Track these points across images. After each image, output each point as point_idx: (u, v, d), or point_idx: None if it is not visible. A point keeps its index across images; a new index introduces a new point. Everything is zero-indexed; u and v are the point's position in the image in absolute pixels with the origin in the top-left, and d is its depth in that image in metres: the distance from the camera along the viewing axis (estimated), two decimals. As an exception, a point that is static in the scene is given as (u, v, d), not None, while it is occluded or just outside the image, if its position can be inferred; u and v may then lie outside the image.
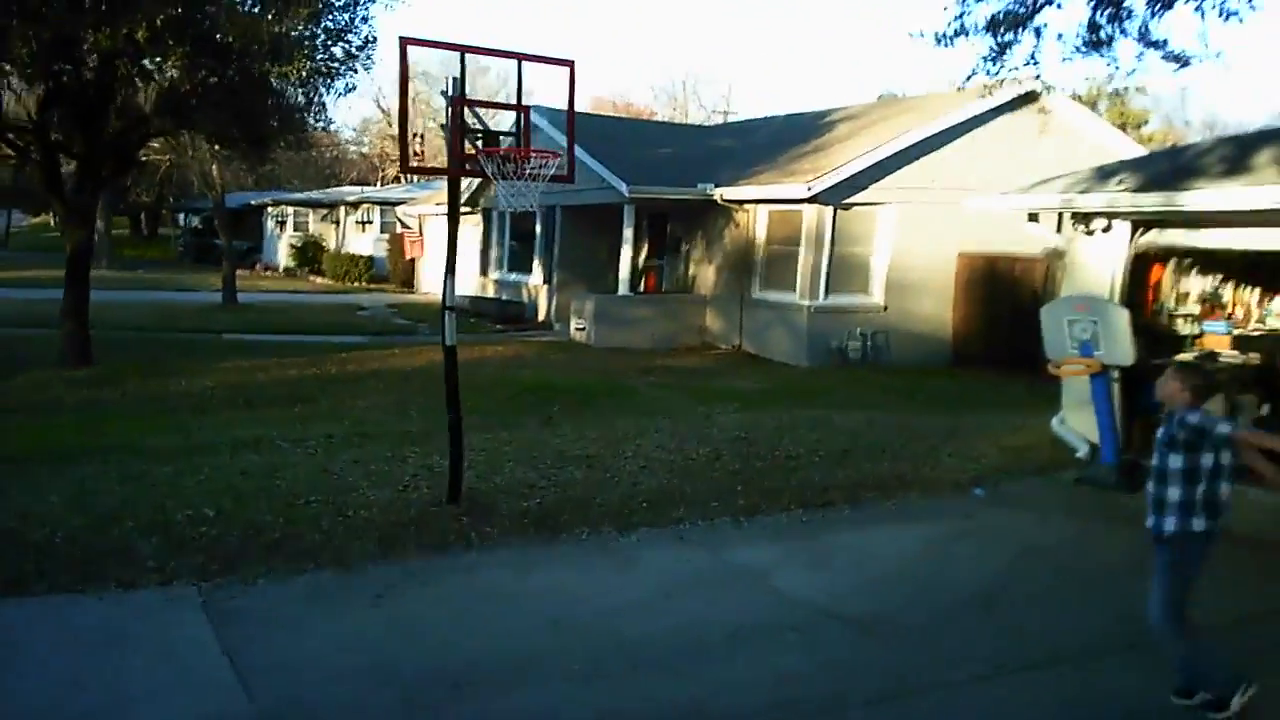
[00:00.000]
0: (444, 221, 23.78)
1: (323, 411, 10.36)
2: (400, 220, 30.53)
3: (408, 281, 29.83)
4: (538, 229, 20.81)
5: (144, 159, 22.54)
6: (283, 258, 37.99)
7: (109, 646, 4.67)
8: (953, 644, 4.99)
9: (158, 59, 9.76)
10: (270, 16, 9.60)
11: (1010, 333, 14.24)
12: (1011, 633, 5.17)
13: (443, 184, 25.05)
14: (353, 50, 11.28)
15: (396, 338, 17.18)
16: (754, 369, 15.13)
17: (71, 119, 11.08)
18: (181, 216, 47.69)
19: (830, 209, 15.66)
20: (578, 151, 17.96)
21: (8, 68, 10.02)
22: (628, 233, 17.59)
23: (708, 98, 51.71)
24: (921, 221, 15.77)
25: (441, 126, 6.14)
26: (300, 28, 9.73)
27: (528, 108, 6.44)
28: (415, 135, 7.30)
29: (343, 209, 35.50)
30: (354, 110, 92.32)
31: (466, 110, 6.20)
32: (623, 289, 17.70)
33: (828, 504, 7.22)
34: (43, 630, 4.78)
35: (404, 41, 5.95)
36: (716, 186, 17.13)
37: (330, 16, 10.79)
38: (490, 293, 22.75)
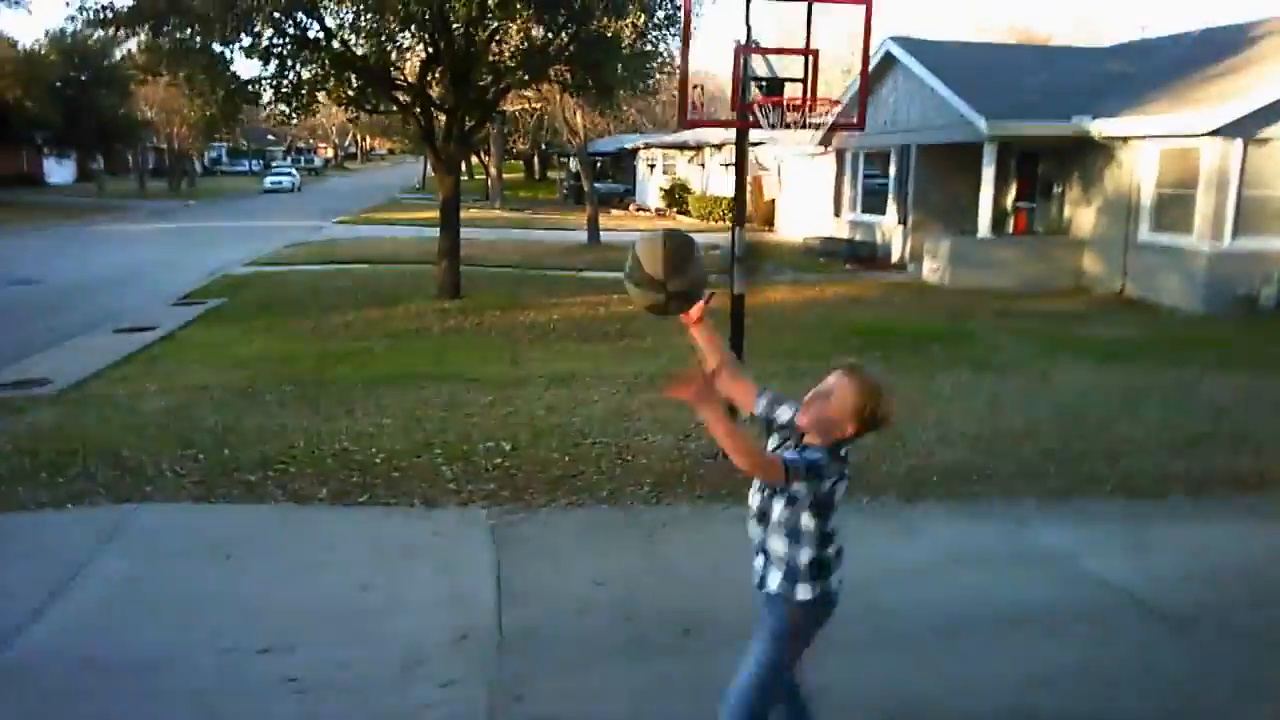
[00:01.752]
0: (805, 163, 23.65)
1: (645, 347, 10.72)
2: (759, 162, 30.70)
3: (769, 221, 30.06)
4: (892, 169, 19.87)
5: (515, 110, 24.58)
6: (653, 199, 40.03)
7: (404, 557, 5.18)
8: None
9: (507, 21, 10.47)
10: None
11: None
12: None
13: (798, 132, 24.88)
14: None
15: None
16: (1131, 315, 13.37)
17: (446, 77, 12.37)
18: (571, 160, 51.88)
19: (1238, 143, 13.26)
20: (936, 84, 17.06)
21: (398, 32, 11.30)
22: (988, 172, 16.21)
23: (1116, 22, 45.94)
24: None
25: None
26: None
27: (816, 51, 6.02)
28: (696, 87, 7.16)
29: (707, 151, 36.35)
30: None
31: (759, 58, 5.96)
32: (983, 231, 16.42)
33: (1160, 495, 6.17)
34: (355, 537, 5.43)
35: None
36: (1095, 119, 15.19)
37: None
38: (843, 233, 22.18)
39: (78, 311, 13.33)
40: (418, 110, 13.03)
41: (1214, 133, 13.10)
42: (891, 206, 19.97)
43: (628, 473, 6.36)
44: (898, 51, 19.20)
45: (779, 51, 6.35)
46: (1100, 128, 15.11)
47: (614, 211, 37.65)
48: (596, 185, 38.45)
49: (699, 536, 5.53)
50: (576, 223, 27.84)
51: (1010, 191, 18.80)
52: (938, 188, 18.71)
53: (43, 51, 38.60)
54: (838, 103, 6.06)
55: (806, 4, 6.04)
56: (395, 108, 13.42)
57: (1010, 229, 18.24)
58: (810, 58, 5.90)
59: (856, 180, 22.16)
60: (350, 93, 12.67)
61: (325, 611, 4.48)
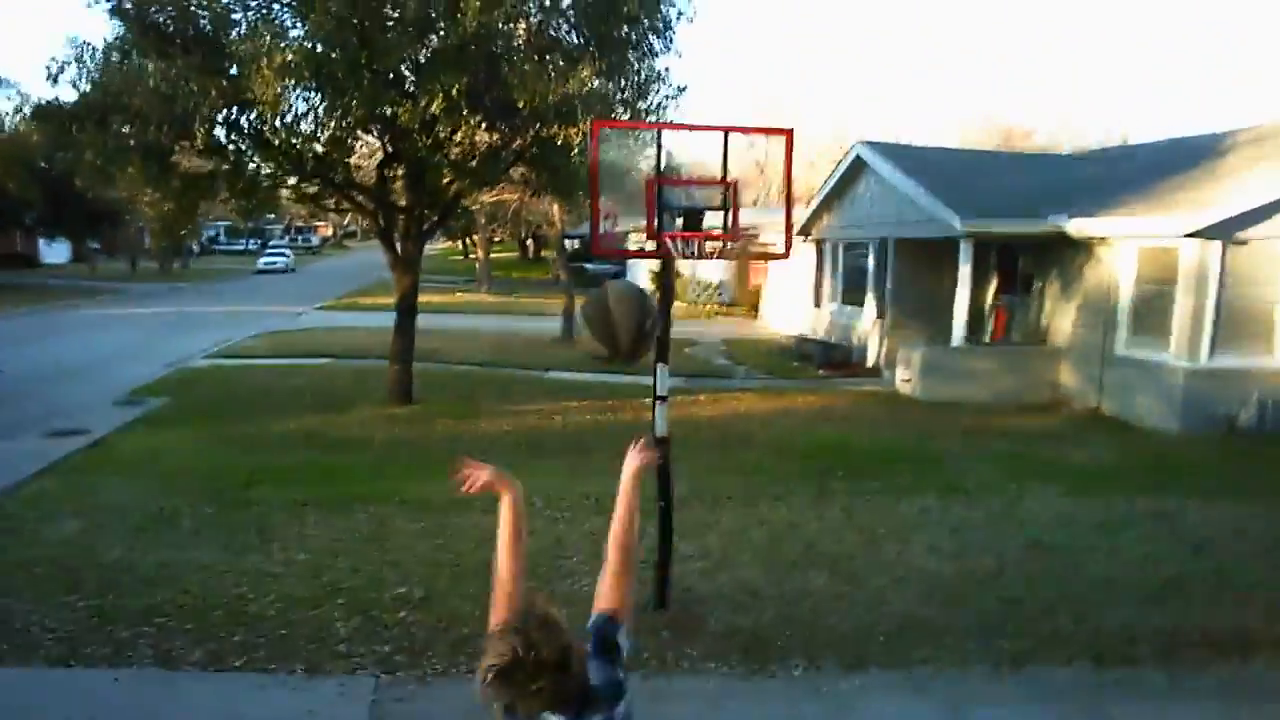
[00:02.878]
0: (794, 248, 23.44)
1: (596, 466, 10.15)
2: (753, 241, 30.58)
3: (755, 307, 29.82)
4: (870, 262, 19.59)
5: (488, 203, 24.51)
6: (643, 280, 39.69)
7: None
8: None
9: (450, 130, 10.25)
10: (553, 80, 9.68)
11: None
12: None
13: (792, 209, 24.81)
14: (645, 109, 11.12)
15: (709, 381, 16.87)
16: (1107, 436, 12.86)
17: (403, 178, 12.14)
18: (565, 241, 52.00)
19: (1217, 245, 12.93)
20: (908, 185, 16.90)
21: (349, 135, 11.09)
22: (964, 271, 15.87)
23: (1098, 121, 46.66)
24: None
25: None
26: (587, 88, 9.71)
27: (734, 182, 5.67)
28: (608, 216, 6.81)
29: (696, 236, 36.35)
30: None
31: (673, 188, 5.64)
32: (956, 338, 15.99)
33: (1129, 661, 5.60)
34: (215, 712, 4.85)
35: (595, 125, 5.52)
36: (1071, 219, 14.91)
37: (617, 77, 10.75)
38: (820, 332, 21.82)
39: (22, 406, 12.85)
40: (373, 208, 12.74)
41: (1193, 234, 12.78)
42: (870, 300, 19.63)
43: (543, 629, 5.78)
44: (868, 155, 19.18)
45: (697, 183, 6.01)
46: (1077, 227, 14.81)
47: None
48: (587, 266, 38.22)
49: None
50: (558, 308, 27.42)
51: (990, 286, 18.50)
52: (917, 282, 18.37)
53: (25, 132, 38.71)
54: (756, 235, 5.65)
55: (723, 134, 5.70)
56: (353, 206, 13.14)
57: (989, 327, 17.86)
58: (729, 189, 5.54)
59: (836, 272, 21.91)
60: (310, 190, 12.40)
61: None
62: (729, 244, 5.55)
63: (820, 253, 22.42)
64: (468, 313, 27.79)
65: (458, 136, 10.25)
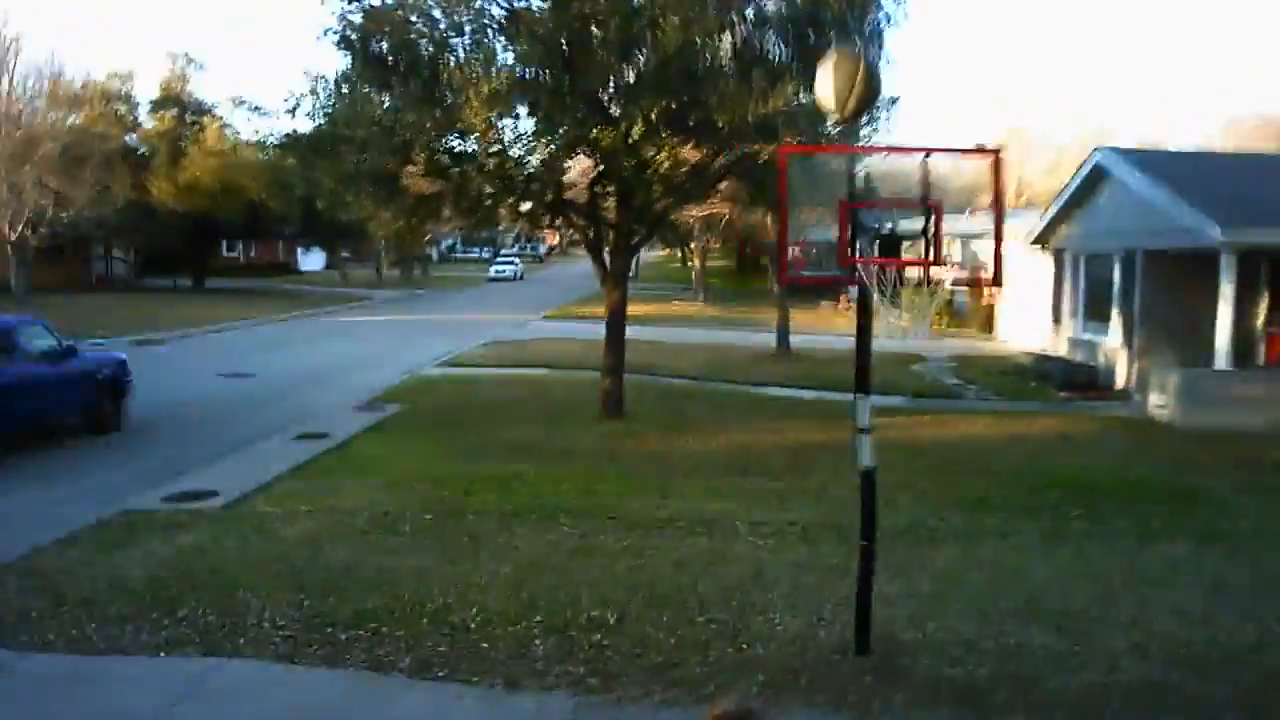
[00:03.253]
0: (1032, 258, 21.90)
1: (809, 488, 9.87)
2: (976, 260, 28.99)
3: (988, 323, 28.21)
4: (1116, 277, 17.98)
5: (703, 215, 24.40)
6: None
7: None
8: None
9: (654, 151, 10.29)
10: (754, 98, 9.49)
11: None
12: None
13: (1028, 214, 23.30)
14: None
15: (936, 401, 16.03)
16: None
17: (613, 196, 12.41)
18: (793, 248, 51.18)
19: None
20: (1157, 192, 15.37)
21: (559, 161, 11.52)
22: (1226, 288, 14.25)
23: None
24: None
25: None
26: (791, 103, 9.45)
27: (936, 203, 5.22)
28: (795, 244, 6.46)
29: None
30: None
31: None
32: (1220, 361, 14.37)
33: None
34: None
35: (782, 153, 5.25)
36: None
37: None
38: (1061, 350, 20.26)
39: (276, 410, 14.09)
40: (585, 224, 13.04)
41: None
42: (1116, 321, 18.01)
43: (738, 664, 5.59)
44: (1111, 160, 17.70)
45: (896, 204, 5.57)
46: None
47: (823, 304, 36.07)
48: (807, 273, 37.19)
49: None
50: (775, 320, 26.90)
51: (1261, 303, 16.53)
52: (1172, 297, 16.68)
53: (281, 154, 42.77)
54: (958, 264, 5.23)
55: (923, 154, 5.28)
56: (566, 222, 13.51)
57: (1261, 356, 15.94)
58: (932, 212, 5.11)
59: (1078, 286, 20.26)
60: (522, 209, 12.87)
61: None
62: (932, 271, 5.14)
63: (1059, 264, 20.84)
64: (683, 325, 27.98)
65: (660, 156, 10.27)
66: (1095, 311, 19.23)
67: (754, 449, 11.83)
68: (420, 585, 6.71)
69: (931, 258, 5.15)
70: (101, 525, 8.13)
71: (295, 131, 12.39)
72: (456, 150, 12.07)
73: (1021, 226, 20.27)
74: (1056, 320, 21.07)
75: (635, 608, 6.36)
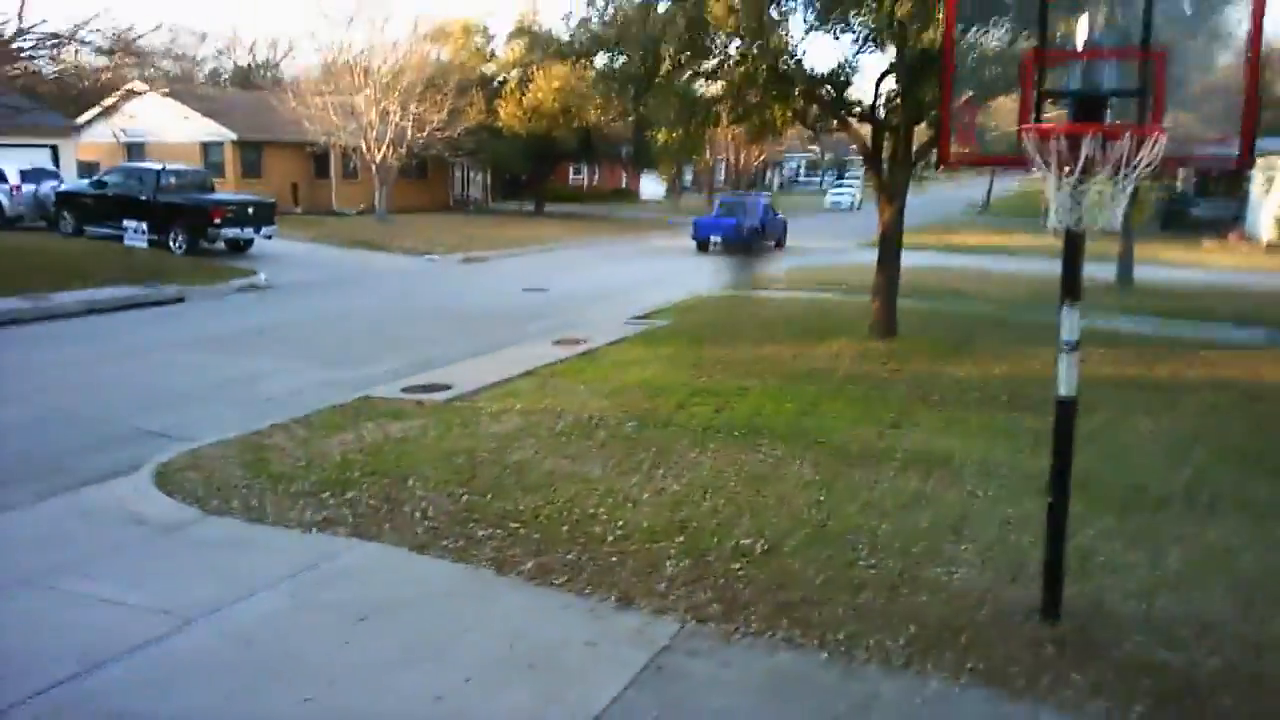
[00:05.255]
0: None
1: (1080, 432, 8.26)
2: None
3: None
4: None
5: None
6: (1264, 229, 31.89)
7: (526, 667, 4.33)
8: None
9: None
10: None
11: None
12: None
13: None
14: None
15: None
16: None
17: (897, 92, 11.13)
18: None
19: None
20: None
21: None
22: None
23: None
24: None
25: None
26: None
27: (1160, 53, 3.70)
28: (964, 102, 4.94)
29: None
30: None
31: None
32: None
33: None
34: (502, 629, 4.66)
35: None
36: None
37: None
38: None
39: (550, 318, 14.47)
40: (864, 129, 11.82)
41: None
42: None
43: (886, 615, 4.68)
44: None
45: (1099, 54, 4.01)
46: None
47: (1205, 243, 30.69)
48: (1191, 211, 31.51)
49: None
50: (1150, 255, 22.91)
51: None
52: None
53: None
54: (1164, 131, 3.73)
55: None
56: (841, 127, 12.31)
57: None
58: (1151, 63, 3.61)
59: None
60: (792, 112, 11.87)
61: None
62: (1144, 142, 3.70)
63: None
64: (1025, 256, 25.34)
65: (929, 35, 8.87)
66: None
67: (1034, 380, 10.19)
68: (580, 492, 6.39)
69: (1145, 124, 3.73)
70: (336, 408, 8.65)
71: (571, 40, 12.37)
72: (730, 51, 11.42)
73: None
74: None
75: (793, 543, 5.59)
